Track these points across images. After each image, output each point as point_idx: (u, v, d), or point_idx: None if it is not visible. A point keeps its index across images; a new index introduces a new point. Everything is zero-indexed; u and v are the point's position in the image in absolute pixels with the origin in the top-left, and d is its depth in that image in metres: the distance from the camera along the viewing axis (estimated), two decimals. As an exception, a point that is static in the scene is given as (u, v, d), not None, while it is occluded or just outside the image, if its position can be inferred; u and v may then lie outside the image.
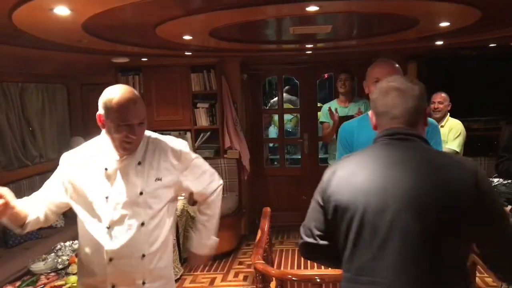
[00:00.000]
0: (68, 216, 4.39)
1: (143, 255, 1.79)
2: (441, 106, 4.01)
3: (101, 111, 1.73)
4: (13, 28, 2.48)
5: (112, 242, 1.77)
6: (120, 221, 1.77)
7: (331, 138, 4.50)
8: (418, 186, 1.29)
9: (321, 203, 1.44)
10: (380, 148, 1.42)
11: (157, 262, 1.84)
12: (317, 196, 1.48)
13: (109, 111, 1.70)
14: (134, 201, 1.78)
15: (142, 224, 1.79)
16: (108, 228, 1.77)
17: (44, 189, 1.89)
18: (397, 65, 2.19)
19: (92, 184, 1.79)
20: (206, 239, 2.11)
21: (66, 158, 1.86)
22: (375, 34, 3.87)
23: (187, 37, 3.37)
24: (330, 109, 4.27)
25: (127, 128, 1.71)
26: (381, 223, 1.29)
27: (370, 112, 1.53)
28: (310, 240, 1.48)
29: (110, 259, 1.77)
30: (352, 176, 1.39)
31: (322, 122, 4.64)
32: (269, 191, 5.84)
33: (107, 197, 1.77)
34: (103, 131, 1.80)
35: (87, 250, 1.83)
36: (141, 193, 1.79)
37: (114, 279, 1.79)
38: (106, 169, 1.79)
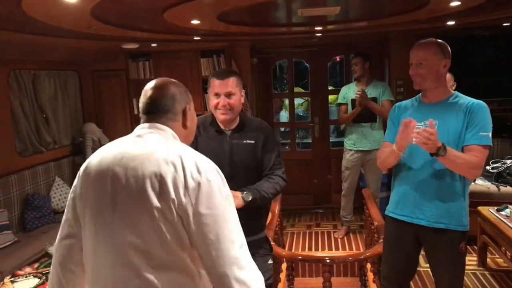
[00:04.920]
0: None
1: None
2: None
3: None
4: (23, 15, 2.50)
5: None
6: None
7: (349, 121, 4.47)
8: None
9: None
10: None
11: None
12: None
13: None
14: None
15: None
16: None
17: None
18: (433, 49, 2.16)
19: None
20: None
21: None
22: (385, 15, 3.81)
23: (195, 22, 3.36)
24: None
25: None
26: None
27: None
28: None
29: None
30: None
31: (339, 104, 4.61)
32: (280, 175, 5.84)
33: None
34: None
35: None
36: None
37: None
38: None
